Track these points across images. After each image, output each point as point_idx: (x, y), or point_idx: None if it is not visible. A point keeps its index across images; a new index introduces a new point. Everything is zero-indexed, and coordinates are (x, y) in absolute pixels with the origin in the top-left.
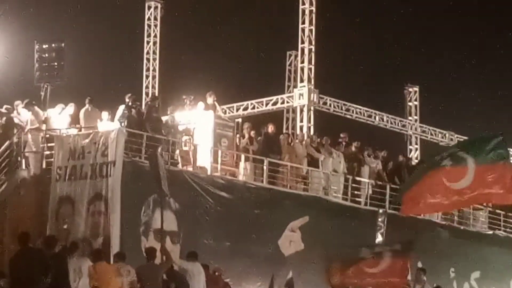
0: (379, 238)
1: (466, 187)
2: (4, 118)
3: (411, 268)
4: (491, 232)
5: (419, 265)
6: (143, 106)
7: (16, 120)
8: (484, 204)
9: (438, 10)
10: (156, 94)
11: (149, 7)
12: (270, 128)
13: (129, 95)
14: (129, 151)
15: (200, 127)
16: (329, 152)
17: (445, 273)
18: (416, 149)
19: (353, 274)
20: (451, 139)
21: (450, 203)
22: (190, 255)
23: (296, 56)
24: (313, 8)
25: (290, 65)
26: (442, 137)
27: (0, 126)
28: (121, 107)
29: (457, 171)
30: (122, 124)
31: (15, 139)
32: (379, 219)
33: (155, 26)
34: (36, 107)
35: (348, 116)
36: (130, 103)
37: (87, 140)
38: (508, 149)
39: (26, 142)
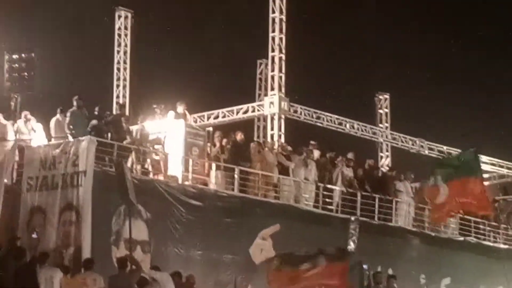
0: (351, 245)
1: (442, 202)
2: None
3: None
4: (462, 238)
5: (390, 271)
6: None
7: None
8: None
9: (408, 17)
10: (127, 103)
11: (119, 17)
12: (239, 136)
13: (97, 107)
14: (99, 161)
15: (170, 136)
16: (300, 160)
17: (416, 280)
18: (387, 156)
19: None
20: (422, 146)
21: (438, 216)
22: (154, 268)
23: (266, 64)
24: (283, 17)
25: (260, 73)
26: (413, 144)
27: None
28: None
29: (432, 189)
30: (92, 133)
31: None
32: (351, 226)
33: (125, 35)
34: (1, 120)
35: (319, 124)
36: (97, 113)
37: (57, 150)
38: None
39: None
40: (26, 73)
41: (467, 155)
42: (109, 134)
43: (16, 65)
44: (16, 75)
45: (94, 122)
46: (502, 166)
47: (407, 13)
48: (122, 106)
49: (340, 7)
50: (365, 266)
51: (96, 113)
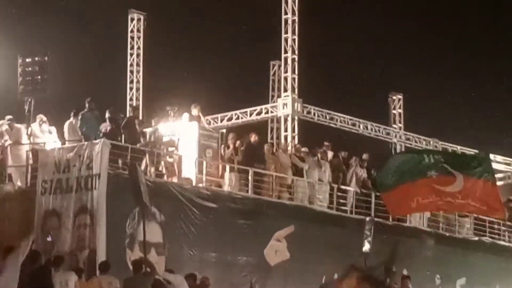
0: (366, 246)
1: (457, 192)
2: None
3: None
4: (477, 238)
5: (405, 272)
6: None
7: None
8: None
9: (422, 17)
10: (140, 105)
11: (132, 19)
12: (253, 138)
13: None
14: (113, 164)
15: (184, 138)
16: (314, 162)
17: (431, 280)
18: None
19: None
20: (436, 147)
21: (444, 202)
22: (168, 271)
23: (279, 66)
24: (296, 18)
25: (273, 75)
26: (427, 145)
27: None
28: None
29: (445, 178)
30: (103, 136)
31: None
32: (366, 227)
33: (138, 38)
34: (15, 123)
35: (333, 125)
36: (109, 116)
37: (71, 153)
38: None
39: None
40: (39, 77)
41: (480, 159)
42: (123, 137)
43: (30, 68)
44: (29, 78)
45: (106, 124)
46: None
47: (421, 13)
48: (135, 109)
49: (352, 7)
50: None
51: (108, 115)
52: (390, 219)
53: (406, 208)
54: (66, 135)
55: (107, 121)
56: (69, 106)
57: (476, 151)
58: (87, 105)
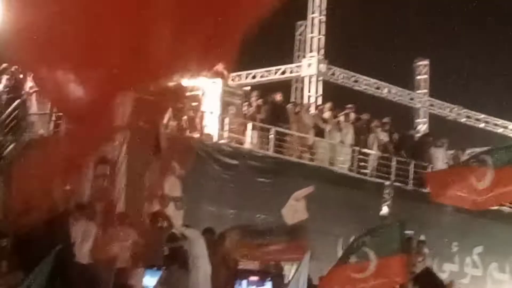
0: (384, 210)
1: (485, 188)
2: (13, 81)
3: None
4: (496, 207)
5: (422, 238)
6: None
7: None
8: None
9: None
10: None
11: None
12: (278, 97)
13: None
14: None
15: (207, 94)
16: (336, 123)
17: (448, 247)
18: (424, 123)
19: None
20: (459, 114)
21: (473, 202)
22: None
23: (305, 26)
24: None
25: (300, 35)
26: (450, 111)
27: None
28: None
29: (481, 171)
30: None
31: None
32: (385, 191)
33: None
34: None
35: (357, 87)
36: None
37: None
38: None
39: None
40: None
41: None
42: None
43: None
44: None
45: None
46: None
47: None
48: None
49: None
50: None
51: None
52: (410, 185)
53: (443, 196)
54: None
55: None
56: None
57: (502, 120)
58: None
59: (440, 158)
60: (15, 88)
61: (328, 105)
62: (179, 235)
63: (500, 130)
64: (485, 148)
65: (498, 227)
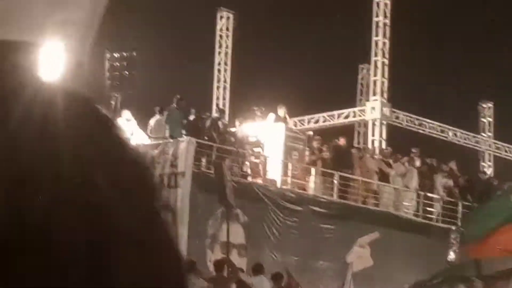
0: (451, 256)
1: None
2: None
3: None
4: None
5: None
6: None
7: None
8: None
9: None
10: (227, 105)
11: (221, 17)
12: (342, 141)
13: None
14: (196, 162)
15: (270, 139)
16: (401, 168)
17: None
18: (489, 166)
19: None
20: None
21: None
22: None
23: (368, 69)
24: (387, 21)
25: (362, 78)
26: None
27: None
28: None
29: None
30: (187, 134)
31: None
32: (452, 236)
33: (227, 37)
34: None
35: (421, 131)
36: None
37: (156, 151)
38: None
39: None
40: (126, 72)
41: None
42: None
43: (117, 63)
44: (117, 73)
45: (190, 121)
46: None
47: None
48: (221, 111)
49: (445, 13)
50: None
51: (192, 115)
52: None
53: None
54: (150, 132)
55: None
56: (154, 103)
57: None
58: (175, 101)
59: None
60: None
61: (391, 149)
62: (247, 282)
63: None
64: None
65: None
